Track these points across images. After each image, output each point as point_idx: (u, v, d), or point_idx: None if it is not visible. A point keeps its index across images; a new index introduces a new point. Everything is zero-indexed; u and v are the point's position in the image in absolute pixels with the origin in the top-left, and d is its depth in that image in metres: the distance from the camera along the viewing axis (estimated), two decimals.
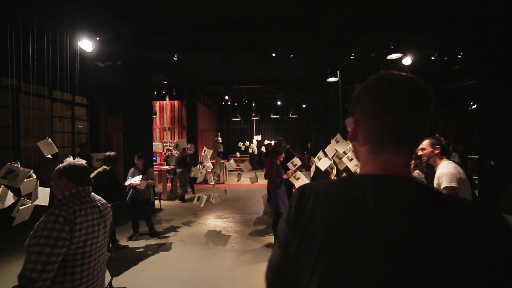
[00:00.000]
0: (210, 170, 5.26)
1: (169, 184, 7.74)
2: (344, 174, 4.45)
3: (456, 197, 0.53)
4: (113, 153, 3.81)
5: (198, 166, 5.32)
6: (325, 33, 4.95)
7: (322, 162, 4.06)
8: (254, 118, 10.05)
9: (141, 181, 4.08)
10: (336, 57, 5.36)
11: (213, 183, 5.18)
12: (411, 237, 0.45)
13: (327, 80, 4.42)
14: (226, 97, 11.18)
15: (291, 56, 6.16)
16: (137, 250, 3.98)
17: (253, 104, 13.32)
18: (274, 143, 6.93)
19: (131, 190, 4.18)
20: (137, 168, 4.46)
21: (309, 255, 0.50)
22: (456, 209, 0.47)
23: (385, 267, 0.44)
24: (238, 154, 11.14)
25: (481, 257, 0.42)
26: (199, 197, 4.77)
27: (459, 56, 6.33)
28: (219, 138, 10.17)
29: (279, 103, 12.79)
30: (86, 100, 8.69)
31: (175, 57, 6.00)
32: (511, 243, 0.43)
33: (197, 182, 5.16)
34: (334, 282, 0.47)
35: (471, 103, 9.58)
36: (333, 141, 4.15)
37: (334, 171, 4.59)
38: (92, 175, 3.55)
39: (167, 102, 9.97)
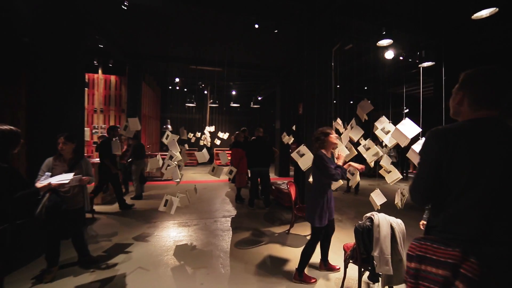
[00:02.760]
0: (176, 163, 3.76)
1: None
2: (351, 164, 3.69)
3: None
4: (7, 126, 1.87)
5: (158, 157, 3.72)
6: (325, 8, 4.10)
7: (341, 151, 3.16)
8: (211, 105, 8.52)
9: (71, 179, 2.26)
10: (329, 38, 4.60)
11: (179, 180, 3.66)
12: (505, 147, 0.93)
13: (377, 44, 3.48)
14: (177, 80, 9.21)
15: (275, 31, 5.08)
16: None
17: (205, 92, 11.68)
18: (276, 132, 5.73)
19: (47, 195, 2.28)
20: (61, 158, 2.56)
21: (461, 163, 0.96)
22: None
23: (499, 164, 0.92)
24: (186, 147, 9.45)
25: None
26: (166, 201, 3.18)
27: (417, 61, 6.56)
28: (169, 126, 8.20)
29: (233, 92, 11.51)
30: None
31: (125, 4, 4.06)
32: None
33: (163, 178, 3.56)
34: (477, 172, 0.93)
35: (404, 108, 10.63)
36: (348, 127, 3.31)
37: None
38: None
39: (99, 75, 7.37)
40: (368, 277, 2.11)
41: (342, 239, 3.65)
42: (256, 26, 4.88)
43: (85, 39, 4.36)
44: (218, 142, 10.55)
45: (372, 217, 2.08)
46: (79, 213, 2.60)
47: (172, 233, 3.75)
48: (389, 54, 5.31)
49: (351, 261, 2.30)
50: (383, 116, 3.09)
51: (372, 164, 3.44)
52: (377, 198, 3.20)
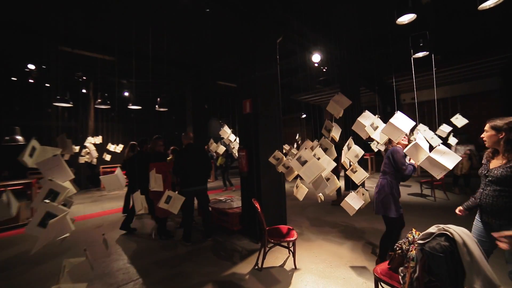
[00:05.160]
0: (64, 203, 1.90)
1: None
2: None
3: None
4: None
5: (6, 196, 1.77)
6: None
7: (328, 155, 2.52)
8: (99, 106, 5.89)
9: None
10: (274, 29, 4.01)
11: (68, 233, 1.85)
12: None
13: (397, 21, 2.82)
14: (32, 67, 5.84)
15: (207, 10, 3.94)
16: None
17: (84, 90, 8.36)
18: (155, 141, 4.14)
19: None
20: None
21: None
22: None
23: None
24: None
25: None
26: None
27: (324, 69, 7.27)
28: (18, 137, 4.85)
29: (126, 94, 8.88)
30: None
31: None
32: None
33: (37, 246, 1.59)
34: None
35: (302, 113, 11.90)
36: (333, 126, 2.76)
37: None
38: None
39: None
40: None
41: (321, 256, 3.03)
42: None
43: None
44: (108, 157, 7.66)
45: (449, 234, 1.50)
46: None
47: None
48: (316, 58, 5.43)
49: None
50: (366, 110, 2.77)
51: (347, 166, 3.06)
52: (354, 202, 2.82)
